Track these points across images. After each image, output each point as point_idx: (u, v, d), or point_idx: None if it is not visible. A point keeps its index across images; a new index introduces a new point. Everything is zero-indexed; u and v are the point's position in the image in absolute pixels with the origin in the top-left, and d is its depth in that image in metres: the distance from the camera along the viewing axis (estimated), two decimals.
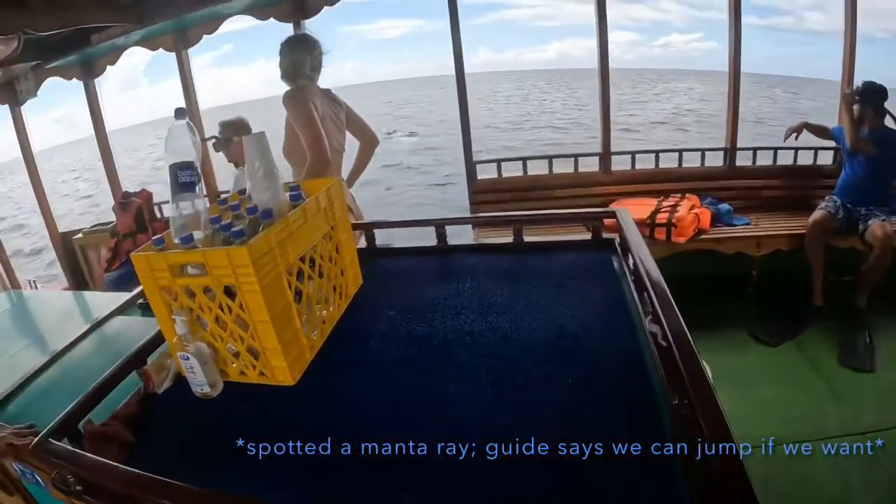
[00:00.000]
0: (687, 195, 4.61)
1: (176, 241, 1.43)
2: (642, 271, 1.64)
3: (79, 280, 5.49)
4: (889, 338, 3.95)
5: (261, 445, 1.23)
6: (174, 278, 1.39)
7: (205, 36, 4.66)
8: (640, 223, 4.17)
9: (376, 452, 1.19)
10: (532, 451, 1.13)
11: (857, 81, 4.25)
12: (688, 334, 1.30)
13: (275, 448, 1.22)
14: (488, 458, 1.13)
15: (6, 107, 4.96)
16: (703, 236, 4.29)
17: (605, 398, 1.29)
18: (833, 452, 2.87)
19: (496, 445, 1.15)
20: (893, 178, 4.25)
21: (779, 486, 2.74)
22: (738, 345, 4.03)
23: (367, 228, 2.33)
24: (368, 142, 3.51)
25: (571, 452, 1.12)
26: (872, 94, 4.10)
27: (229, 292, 1.40)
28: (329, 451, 1.21)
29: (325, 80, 3.18)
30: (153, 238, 1.45)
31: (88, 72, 4.85)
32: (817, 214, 4.18)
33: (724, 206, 4.57)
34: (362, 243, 2.37)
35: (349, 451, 1.20)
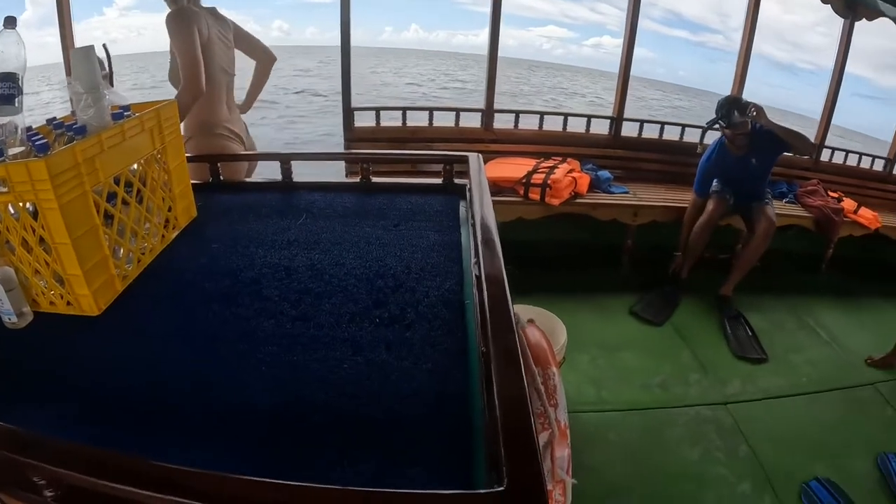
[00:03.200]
0: (568, 159, 4.61)
1: None
2: (477, 213, 1.62)
3: None
4: (753, 314, 4.13)
5: (60, 378, 1.18)
6: None
7: None
8: (516, 182, 4.18)
9: (167, 384, 1.16)
10: (319, 397, 1.11)
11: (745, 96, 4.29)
12: (505, 282, 1.27)
13: (73, 380, 1.18)
14: (271, 398, 1.11)
15: None
16: (579, 200, 4.28)
17: (412, 341, 1.26)
18: (693, 419, 3.01)
19: (283, 385, 1.14)
20: (771, 168, 4.35)
21: (638, 450, 2.82)
22: (606, 311, 4.10)
23: (211, 161, 2.23)
24: (265, 60, 3.32)
25: (356, 393, 1.11)
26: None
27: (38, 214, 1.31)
28: (126, 383, 1.17)
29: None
30: None
31: None
32: (715, 202, 4.20)
33: (604, 173, 4.60)
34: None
35: (144, 384, 1.16)
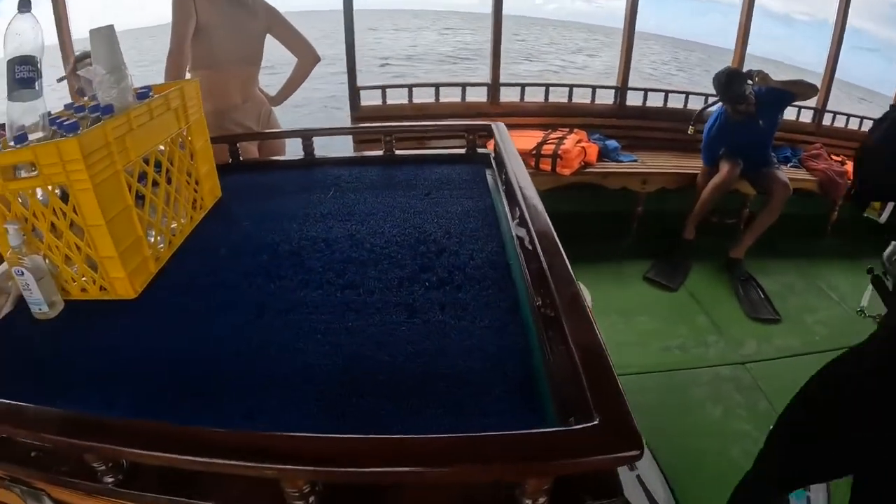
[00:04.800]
0: (575, 130, 4.58)
1: (10, 143, 1.30)
2: (513, 178, 1.60)
3: None
4: (763, 277, 4.14)
5: (99, 363, 1.17)
6: (6, 182, 1.26)
7: None
8: (526, 154, 4.13)
9: (221, 357, 1.15)
10: (380, 357, 1.11)
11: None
12: (554, 236, 1.28)
13: (120, 366, 1.16)
14: (332, 361, 1.10)
15: None
16: (588, 170, 4.29)
17: (465, 301, 1.26)
18: (713, 378, 3.04)
19: (342, 349, 1.13)
20: (776, 128, 4.32)
21: (662, 410, 2.83)
22: (621, 278, 4.12)
23: (230, 142, 2.22)
24: (303, 59, 3.16)
25: (417, 352, 1.11)
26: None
27: (67, 197, 1.28)
28: (177, 360, 1.16)
29: None
30: None
31: None
32: (729, 165, 4.16)
33: (612, 143, 4.58)
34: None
35: (196, 358, 1.16)
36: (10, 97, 1.33)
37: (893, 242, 2.16)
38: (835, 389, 1.60)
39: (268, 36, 2.99)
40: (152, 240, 1.50)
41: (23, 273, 1.28)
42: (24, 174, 1.28)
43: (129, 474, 0.90)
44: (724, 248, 4.27)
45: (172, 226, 1.60)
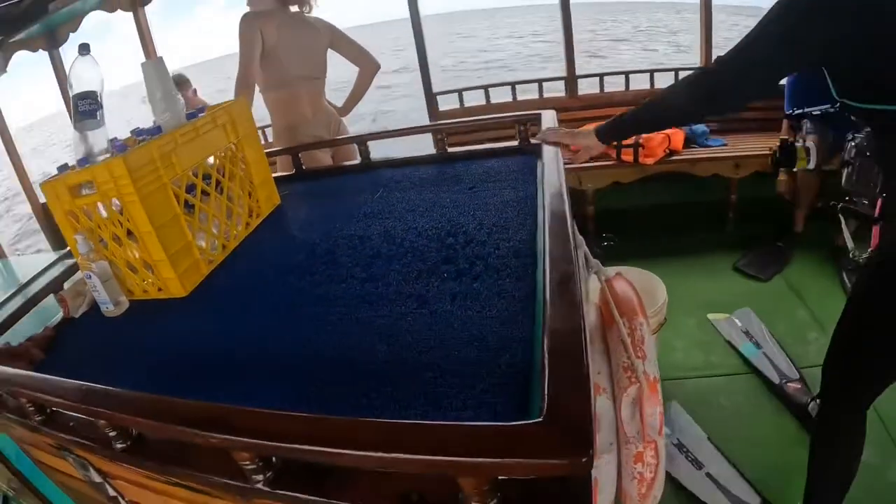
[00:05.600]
0: None
1: (76, 166, 1.47)
2: (548, 167, 1.62)
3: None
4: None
5: (154, 352, 1.33)
6: (74, 199, 1.43)
7: None
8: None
9: (239, 348, 1.27)
10: (380, 347, 1.14)
11: None
12: (567, 219, 1.26)
13: (165, 354, 1.31)
14: (337, 351, 1.17)
15: None
16: (675, 157, 4.08)
17: (478, 291, 1.26)
18: (813, 380, 2.71)
19: (348, 338, 1.20)
20: None
21: (751, 416, 2.64)
22: (713, 271, 3.85)
23: (293, 153, 2.35)
24: (364, 68, 3.29)
25: (416, 342, 1.13)
26: None
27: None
28: (205, 349, 1.29)
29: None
30: (59, 165, 1.50)
31: (52, 41, 4.74)
32: (816, 141, 3.66)
33: (700, 127, 4.33)
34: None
35: (220, 348, 1.28)
36: (76, 127, 1.51)
37: (845, 170, 2.38)
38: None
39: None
40: (203, 244, 1.62)
41: (91, 276, 1.46)
42: (86, 192, 1.44)
43: (135, 443, 1.02)
44: (830, 236, 3.79)
45: (227, 232, 1.73)
